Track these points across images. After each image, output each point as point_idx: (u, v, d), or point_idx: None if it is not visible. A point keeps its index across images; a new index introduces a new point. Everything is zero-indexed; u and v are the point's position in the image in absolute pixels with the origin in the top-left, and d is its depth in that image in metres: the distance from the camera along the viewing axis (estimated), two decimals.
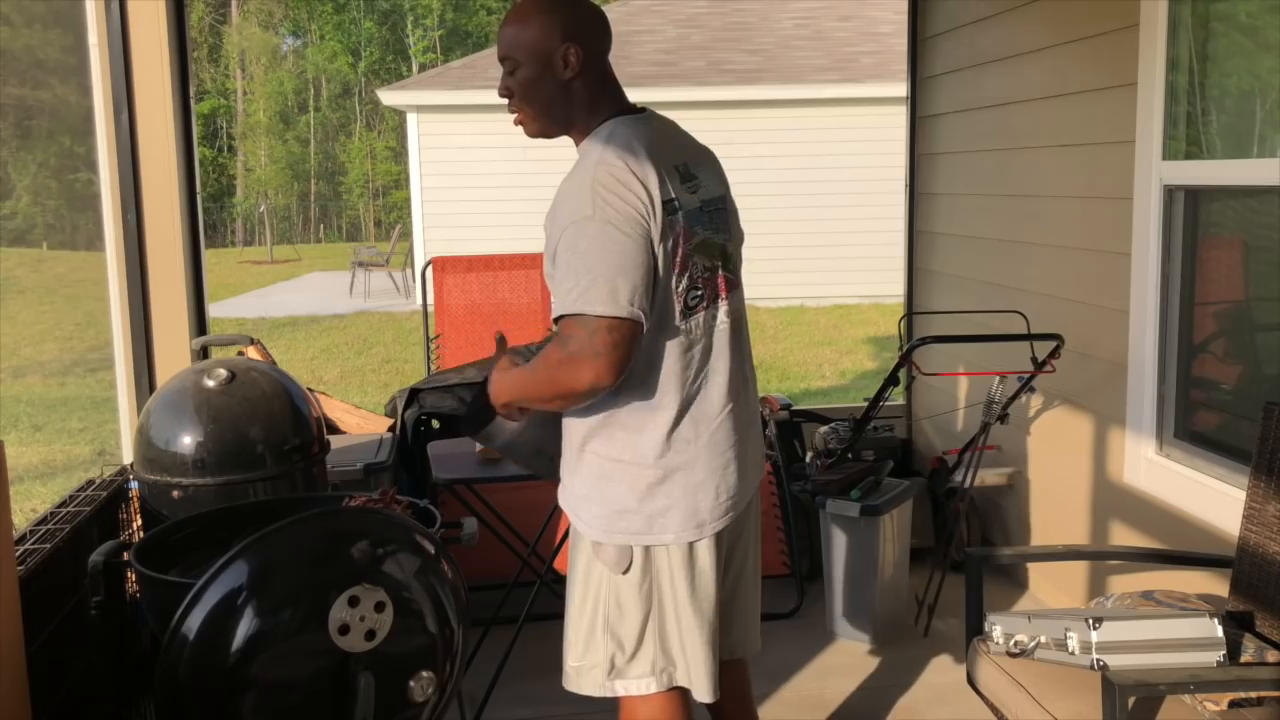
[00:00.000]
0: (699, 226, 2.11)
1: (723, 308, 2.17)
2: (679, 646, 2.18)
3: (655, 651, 2.17)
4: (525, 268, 5.05)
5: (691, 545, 2.14)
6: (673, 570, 2.14)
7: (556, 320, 2.02)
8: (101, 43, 3.66)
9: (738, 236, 2.28)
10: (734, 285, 2.22)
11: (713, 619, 2.20)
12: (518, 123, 2.19)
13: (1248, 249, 3.14)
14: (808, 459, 4.31)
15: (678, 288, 2.07)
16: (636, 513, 2.11)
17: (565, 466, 2.24)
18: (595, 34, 2.14)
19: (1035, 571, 4.08)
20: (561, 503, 2.25)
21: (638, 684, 2.18)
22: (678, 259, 2.06)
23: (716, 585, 2.19)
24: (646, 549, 2.13)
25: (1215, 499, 3.00)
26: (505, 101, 2.19)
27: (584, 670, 2.20)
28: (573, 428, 2.18)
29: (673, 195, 2.06)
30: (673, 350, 2.09)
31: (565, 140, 2.30)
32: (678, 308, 2.07)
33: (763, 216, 13.49)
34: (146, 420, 3.03)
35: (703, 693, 2.19)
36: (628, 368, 2.00)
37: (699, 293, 2.11)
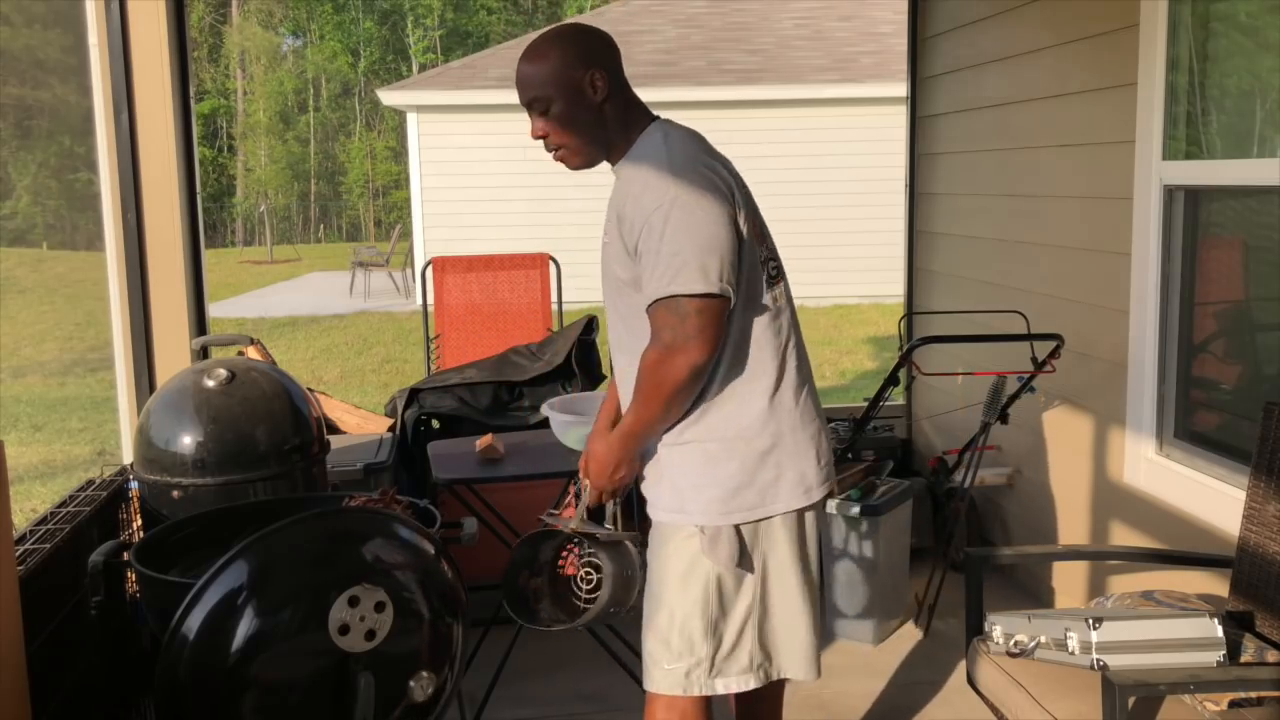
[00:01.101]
0: (753, 201, 2.22)
1: (786, 279, 2.26)
2: (781, 631, 2.21)
3: (754, 646, 2.20)
4: (525, 268, 5.05)
5: (801, 514, 2.18)
6: (780, 549, 2.17)
7: (649, 307, 2.06)
8: (101, 43, 3.66)
9: None
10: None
11: (815, 594, 2.25)
12: (560, 159, 2.23)
13: (1248, 249, 3.14)
14: None
15: (761, 258, 2.15)
16: (750, 486, 2.14)
17: (654, 473, 2.24)
18: (612, 54, 2.21)
19: (1035, 571, 4.08)
20: (657, 512, 2.23)
21: (739, 680, 2.20)
22: (756, 229, 2.14)
23: (818, 557, 2.26)
24: (755, 532, 2.16)
25: (1215, 499, 3.00)
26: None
27: (676, 673, 2.18)
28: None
29: (737, 175, 2.18)
30: (764, 320, 2.15)
31: None
32: (763, 277, 2.15)
33: (763, 216, 13.58)
34: (146, 420, 3.03)
35: (804, 672, 2.24)
36: (721, 343, 2.07)
37: (776, 264, 2.20)
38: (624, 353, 2.25)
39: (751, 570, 2.17)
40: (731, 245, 2.05)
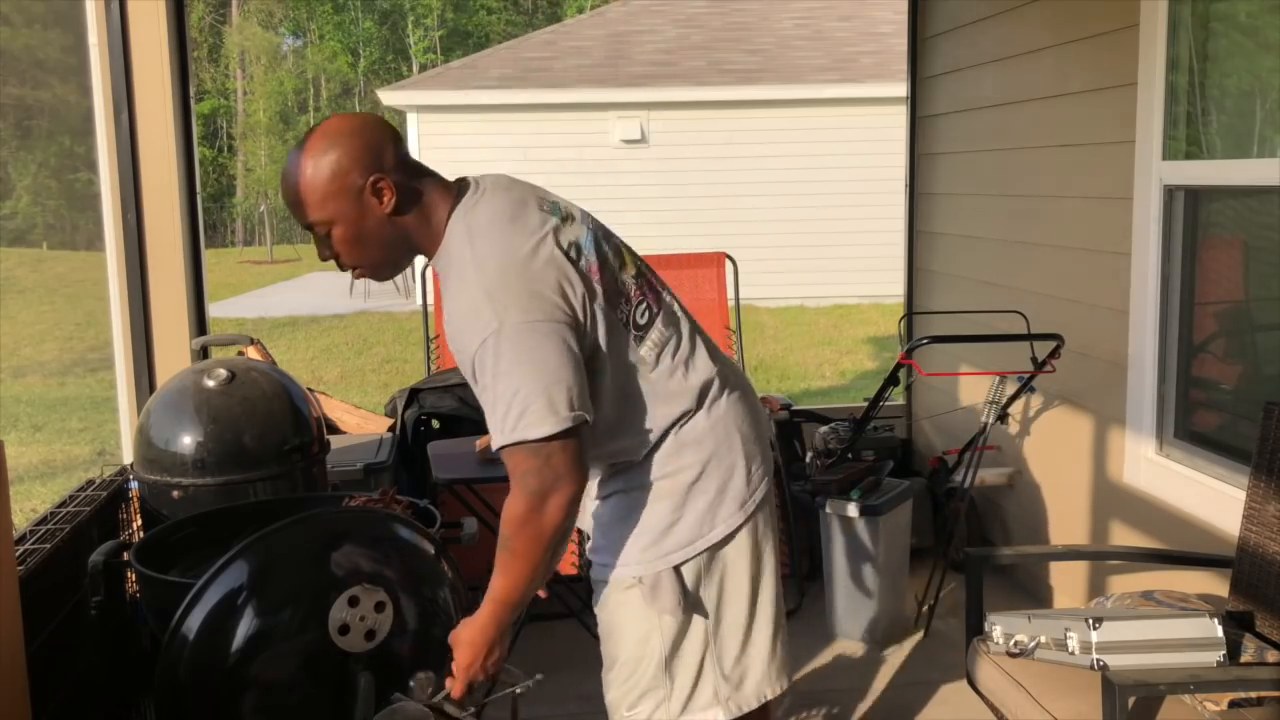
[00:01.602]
0: (603, 245, 1.99)
1: (665, 297, 2.07)
2: (743, 655, 2.12)
3: (716, 678, 2.10)
4: None
5: (739, 529, 2.07)
6: (726, 573, 2.08)
7: (498, 451, 1.86)
8: (101, 43, 3.66)
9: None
10: (659, 277, 2.13)
11: (776, 603, 2.14)
12: (361, 277, 2.00)
13: (1248, 249, 3.14)
14: (808, 459, 4.31)
15: (624, 319, 1.96)
16: (683, 521, 2.03)
17: (587, 528, 2.15)
18: (390, 147, 1.91)
19: (1035, 571, 4.08)
20: (595, 569, 2.13)
21: (705, 715, 2.10)
22: (608, 292, 1.93)
23: (775, 561, 2.15)
24: (697, 565, 2.06)
25: (1215, 499, 3.00)
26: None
27: (636, 718, 2.11)
28: (589, 485, 2.08)
29: (569, 239, 1.91)
30: (651, 370, 2.00)
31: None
32: (633, 335, 1.97)
33: (762, 216, 13.59)
34: (146, 420, 3.03)
35: (774, 689, 2.15)
36: (587, 463, 1.89)
37: (644, 304, 2.01)
38: None
39: (700, 608, 2.07)
40: (575, 363, 1.83)
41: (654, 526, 2.03)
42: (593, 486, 2.12)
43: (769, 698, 2.18)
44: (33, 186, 20.63)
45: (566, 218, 1.97)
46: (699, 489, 2.03)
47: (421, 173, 1.94)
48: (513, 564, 1.89)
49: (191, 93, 3.94)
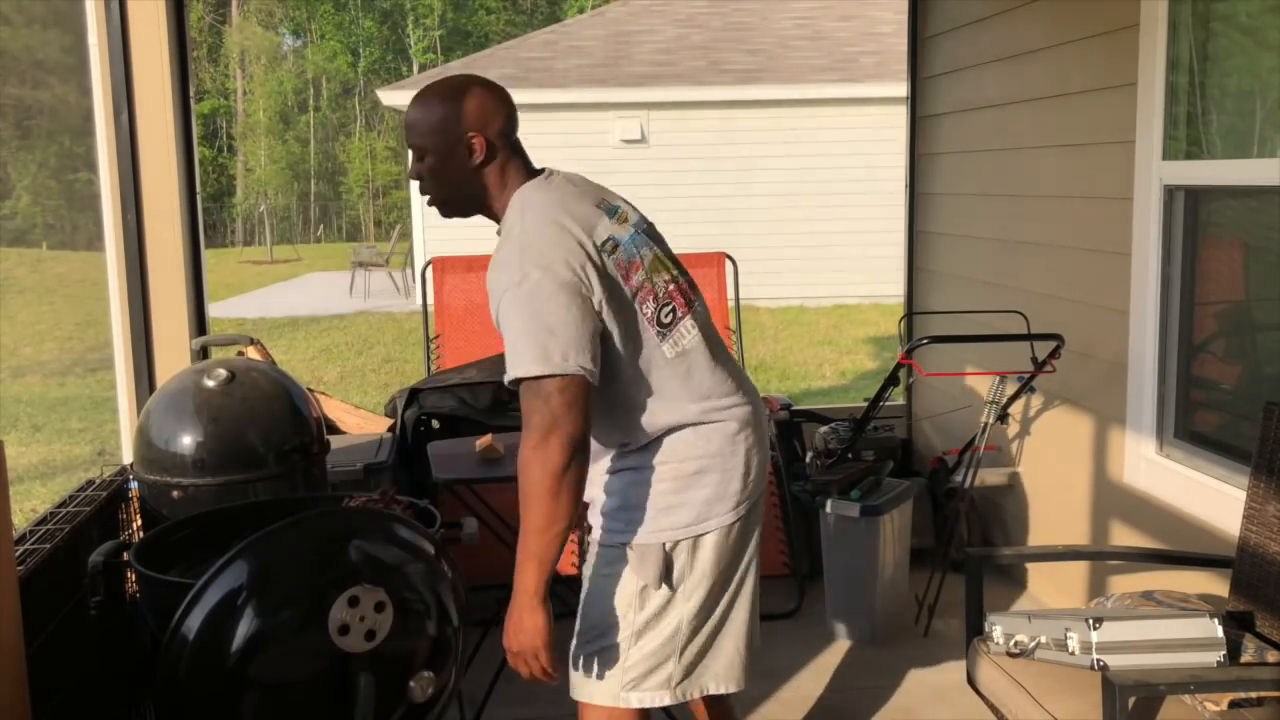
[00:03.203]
0: (644, 249, 2.19)
1: (697, 306, 2.24)
2: (707, 649, 2.22)
3: (674, 665, 2.20)
4: None
5: (729, 529, 2.19)
6: (708, 565, 2.17)
7: (511, 384, 2.05)
8: (101, 43, 3.66)
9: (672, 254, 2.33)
10: (695, 288, 2.29)
11: (751, 604, 2.26)
12: (431, 204, 2.24)
13: (1248, 249, 3.14)
14: (808, 459, 4.31)
15: (648, 314, 2.14)
16: (680, 507, 2.16)
17: (592, 497, 2.25)
18: (498, 117, 2.18)
19: (1035, 571, 4.08)
20: (595, 532, 2.25)
21: (654, 696, 2.20)
22: (635, 289, 2.13)
23: (752, 572, 2.26)
24: (682, 550, 2.16)
25: (1215, 499, 3.00)
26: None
27: (590, 685, 2.23)
28: (601, 461, 2.24)
29: (608, 234, 2.13)
30: (666, 366, 2.15)
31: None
32: (653, 331, 2.14)
33: (762, 216, 13.60)
34: (146, 420, 3.03)
35: (730, 685, 2.27)
36: (590, 419, 2.03)
37: (670, 306, 2.18)
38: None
39: (675, 588, 2.17)
40: (581, 321, 2.02)
41: (654, 504, 2.17)
42: (606, 462, 2.24)
43: (713, 691, 2.26)
44: (33, 186, 20.64)
45: (619, 217, 2.20)
46: (701, 481, 2.16)
47: (515, 152, 2.21)
48: (527, 512, 2.02)
49: (191, 93, 3.94)
